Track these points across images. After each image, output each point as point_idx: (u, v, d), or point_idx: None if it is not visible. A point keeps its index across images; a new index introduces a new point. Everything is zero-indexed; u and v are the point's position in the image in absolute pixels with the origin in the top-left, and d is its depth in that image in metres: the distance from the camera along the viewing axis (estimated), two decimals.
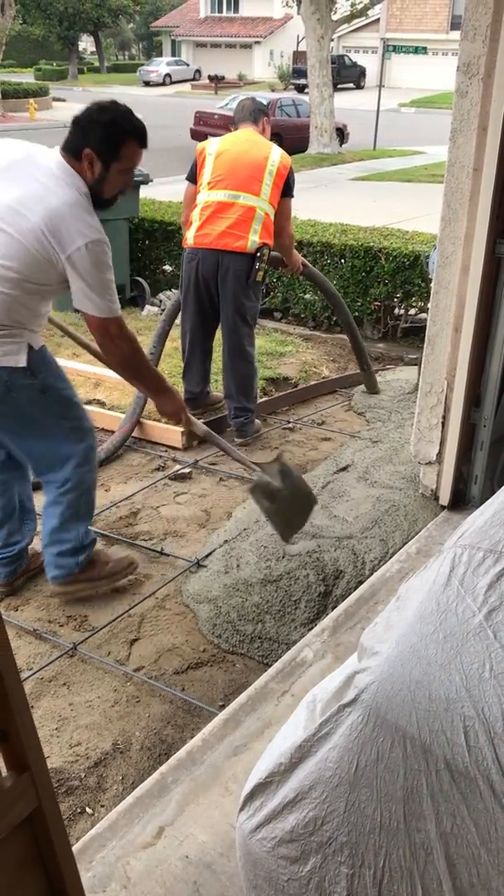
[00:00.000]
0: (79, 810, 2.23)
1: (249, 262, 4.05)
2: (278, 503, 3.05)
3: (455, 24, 36.57)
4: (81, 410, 2.86)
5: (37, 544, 3.12)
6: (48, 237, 2.44)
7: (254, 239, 4.00)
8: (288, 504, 3.10)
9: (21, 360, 2.59)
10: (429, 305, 3.30)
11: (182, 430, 4.31)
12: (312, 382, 5.22)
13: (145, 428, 4.41)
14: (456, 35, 2.95)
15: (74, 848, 1.93)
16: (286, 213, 4.23)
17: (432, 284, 3.25)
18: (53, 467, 2.80)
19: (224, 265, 4.04)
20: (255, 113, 4.27)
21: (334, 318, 6.31)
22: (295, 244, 6.21)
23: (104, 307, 2.56)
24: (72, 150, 2.54)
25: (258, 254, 4.03)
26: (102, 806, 2.23)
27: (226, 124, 14.61)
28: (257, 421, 4.50)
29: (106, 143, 2.54)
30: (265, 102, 20.51)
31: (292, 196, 4.23)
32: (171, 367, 5.01)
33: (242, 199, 4.01)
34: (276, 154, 4.10)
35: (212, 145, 4.14)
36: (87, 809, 2.23)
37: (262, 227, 4.04)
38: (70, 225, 2.45)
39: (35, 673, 2.67)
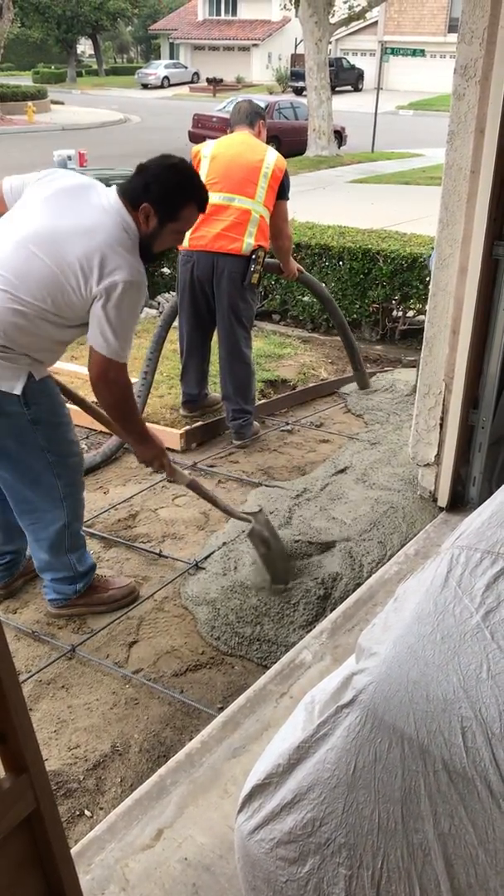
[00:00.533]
0: (77, 813, 2.22)
1: (245, 265, 4.05)
2: (273, 550, 3.07)
3: (453, 27, 36.63)
4: (72, 447, 2.78)
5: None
6: (86, 269, 2.39)
7: (249, 241, 4.01)
8: (277, 552, 3.11)
9: (16, 388, 2.51)
10: (427, 307, 3.31)
11: (180, 432, 4.32)
12: (310, 384, 5.22)
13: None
14: (454, 38, 2.96)
15: (73, 850, 1.93)
16: (282, 215, 4.23)
17: (430, 286, 3.25)
18: (30, 501, 2.73)
19: (219, 268, 4.05)
20: (252, 116, 4.26)
21: (332, 321, 6.31)
22: (293, 246, 6.27)
23: (115, 349, 2.48)
24: (130, 199, 2.50)
25: (253, 256, 4.03)
26: (101, 808, 2.23)
27: (224, 127, 14.60)
28: (256, 423, 4.50)
29: (167, 204, 2.52)
30: (263, 105, 20.57)
31: (287, 198, 4.23)
32: (169, 369, 5.02)
33: (237, 202, 4.01)
34: (271, 157, 4.11)
35: (207, 148, 4.15)
36: (86, 812, 2.23)
37: (258, 230, 4.05)
38: (113, 260, 2.41)
39: (34, 675, 2.67)
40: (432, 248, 4.54)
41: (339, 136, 20.61)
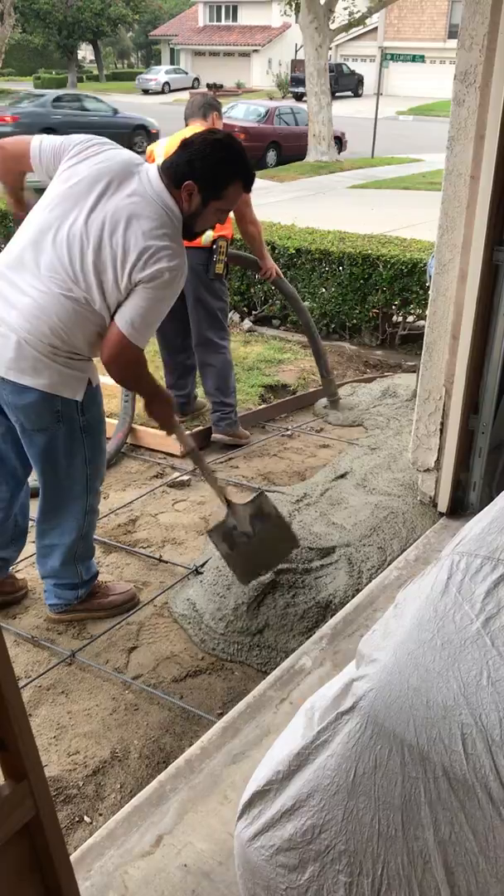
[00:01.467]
0: (77, 819, 2.22)
1: (207, 256, 4.06)
2: (237, 549, 2.96)
3: (453, 33, 36.73)
4: (104, 458, 2.84)
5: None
6: (131, 258, 2.37)
7: (208, 232, 3.99)
8: (254, 548, 2.98)
9: (79, 394, 2.55)
10: (427, 313, 3.31)
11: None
12: (286, 398, 5.15)
13: (144, 435, 4.41)
14: (454, 43, 2.97)
15: (72, 857, 1.92)
16: (241, 202, 4.05)
17: (430, 292, 3.26)
18: (58, 508, 2.75)
19: None
20: (205, 108, 4.22)
21: (332, 326, 6.33)
22: (292, 251, 6.28)
23: (140, 335, 2.45)
24: (173, 177, 2.44)
25: (214, 247, 4.03)
26: (100, 815, 2.22)
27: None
28: (243, 430, 4.49)
29: (212, 181, 2.47)
30: (263, 111, 20.39)
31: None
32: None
33: None
34: None
35: (159, 146, 4.13)
36: (86, 818, 2.22)
37: None
38: (157, 248, 2.37)
39: (33, 681, 2.67)
40: (432, 254, 4.56)
41: (339, 141, 20.64)
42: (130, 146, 17.47)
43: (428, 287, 4.88)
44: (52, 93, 20.12)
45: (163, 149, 4.09)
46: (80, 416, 2.59)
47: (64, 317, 2.41)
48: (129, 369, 2.55)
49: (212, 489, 3.05)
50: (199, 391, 4.73)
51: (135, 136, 19.52)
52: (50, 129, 13.51)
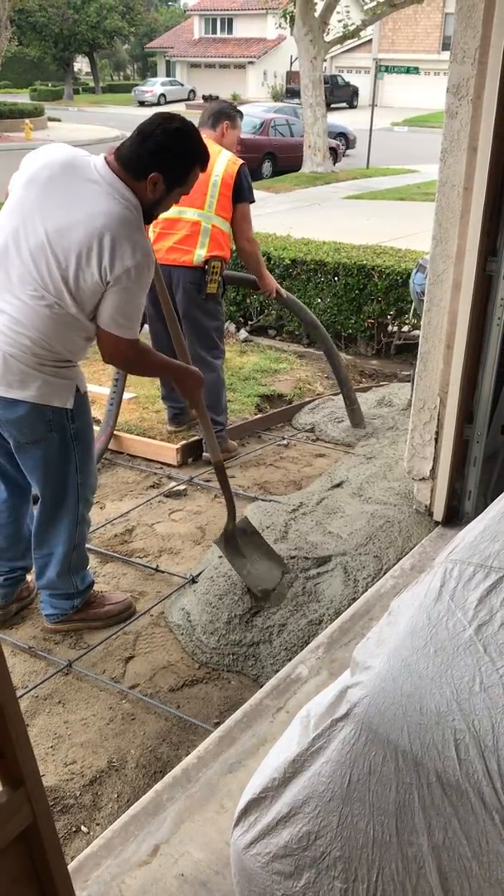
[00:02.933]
0: (74, 829, 2.22)
1: (199, 276, 4.03)
2: (244, 557, 3.13)
3: (447, 45, 36.93)
4: (94, 466, 2.85)
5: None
6: (95, 260, 2.34)
7: (200, 252, 3.99)
8: (253, 567, 3.13)
9: (69, 402, 2.56)
10: (421, 323, 3.33)
11: (176, 447, 4.33)
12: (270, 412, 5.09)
13: (140, 445, 4.42)
14: (447, 55, 3.00)
15: (70, 867, 1.92)
16: (239, 217, 4.10)
17: (424, 302, 3.27)
18: (53, 519, 2.76)
19: (175, 280, 4.03)
20: (216, 116, 4.13)
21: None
22: (288, 262, 6.31)
23: (128, 329, 2.48)
24: (133, 170, 2.42)
25: (206, 267, 4.02)
26: (98, 824, 2.22)
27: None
28: (232, 442, 4.50)
29: (176, 171, 2.48)
30: (259, 122, 20.36)
31: (249, 200, 4.10)
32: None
33: (188, 215, 3.98)
34: (221, 165, 3.97)
35: None
36: (83, 828, 2.22)
37: (210, 240, 4.00)
38: (120, 245, 2.35)
39: (30, 691, 2.67)
40: (415, 268, 4.58)
41: (335, 152, 20.74)
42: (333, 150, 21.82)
43: (411, 301, 4.91)
44: (272, 105, 24.07)
45: None
46: (71, 423, 2.60)
47: (42, 326, 2.40)
48: (132, 362, 2.63)
49: (223, 494, 3.20)
50: None
51: (337, 140, 22.45)
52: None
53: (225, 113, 4.15)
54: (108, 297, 2.41)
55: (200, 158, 2.55)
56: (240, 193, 4.05)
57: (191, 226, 3.99)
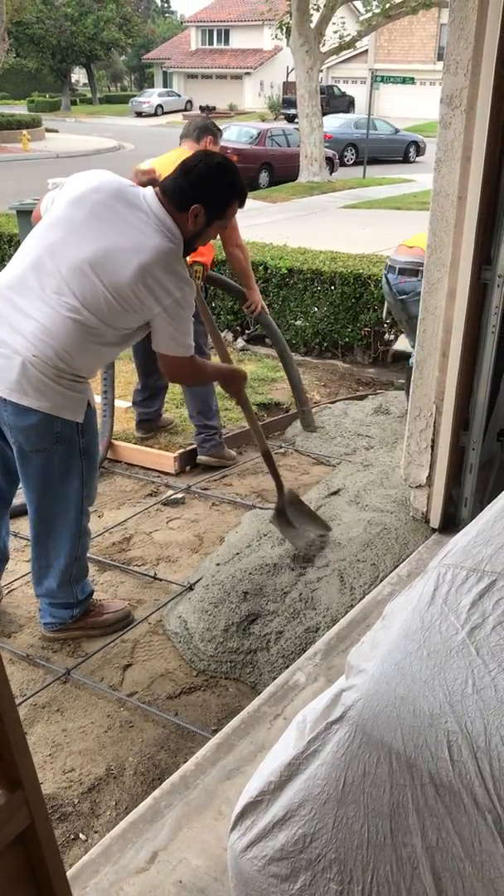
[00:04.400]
0: (72, 836, 2.22)
1: None
2: (292, 527, 3.50)
3: (442, 55, 37.14)
4: (95, 482, 2.89)
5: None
6: (142, 292, 2.46)
7: None
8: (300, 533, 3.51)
9: (80, 416, 2.61)
10: (417, 331, 3.35)
11: (174, 455, 4.34)
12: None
13: (138, 454, 4.44)
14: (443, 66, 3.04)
15: (68, 874, 1.92)
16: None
17: (419, 311, 3.29)
18: (52, 532, 2.77)
19: None
20: (199, 131, 4.20)
21: (325, 345, 6.38)
22: (285, 271, 6.34)
23: (185, 346, 2.62)
24: (177, 202, 2.53)
25: (189, 271, 4.04)
26: (96, 832, 2.23)
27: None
28: (230, 451, 4.52)
29: (217, 204, 2.59)
30: (255, 132, 20.53)
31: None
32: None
33: None
34: None
35: (146, 165, 4.18)
36: (81, 835, 2.23)
37: None
38: (165, 280, 2.47)
39: (28, 699, 2.68)
40: (385, 266, 4.60)
41: (331, 162, 20.84)
42: (405, 157, 25.45)
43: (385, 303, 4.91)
44: (356, 116, 26.67)
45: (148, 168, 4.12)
46: (80, 437, 2.63)
47: (69, 340, 2.46)
48: (192, 378, 2.97)
49: (269, 471, 3.56)
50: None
51: (409, 149, 25.61)
52: (352, 144, 24.05)
53: (208, 129, 4.26)
54: (160, 325, 2.55)
55: (239, 193, 2.67)
56: None
57: None
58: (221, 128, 4.39)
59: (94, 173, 2.63)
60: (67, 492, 2.70)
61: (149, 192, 2.57)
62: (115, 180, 2.60)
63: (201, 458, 4.40)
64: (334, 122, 24.30)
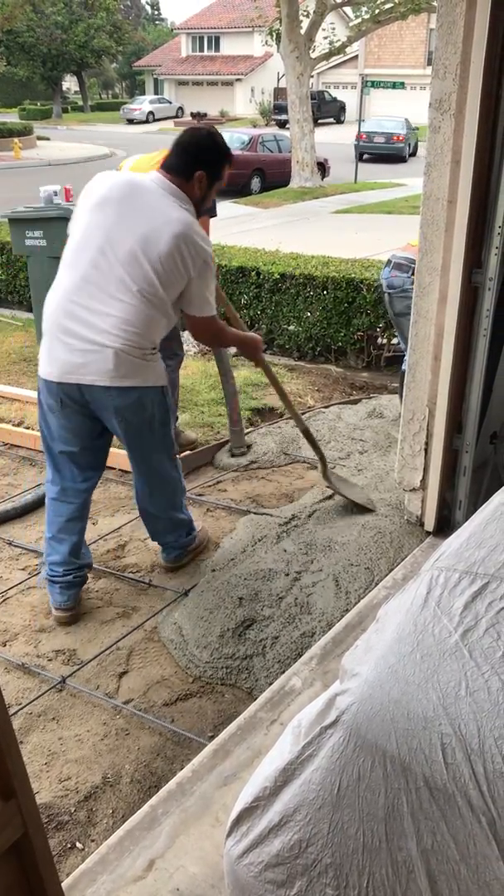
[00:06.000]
0: (69, 845, 2.22)
1: None
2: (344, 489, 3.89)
3: (431, 60, 37.32)
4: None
5: None
6: (178, 261, 2.80)
7: None
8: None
9: (163, 380, 3.02)
10: (409, 335, 3.36)
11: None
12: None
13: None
14: None
15: (65, 883, 1.92)
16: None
17: (412, 314, 3.30)
18: (167, 475, 3.20)
19: None
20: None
21: (318, 349, 6.39)
22: (277, 277, 6.34)
23: (211, 307, 3.01)
24: (182, 173, 2.88)
25: None
26: (93, 840, 2.22)
27: None
28: (190, 434, 4.58)
29: (215, 167, 2.95)
30: (247, 138, 20.51)
31: (209, 215, 4.05)
32: None
33: None
34: None
35: (129, 161, 4.14)
36: (78, 844, 2.22)
37: None
38: (193, 243, 2.82)
39: (24, 707, 2.67)
40: (388, 262, 4.61)
41: (323, 167, 20.89)
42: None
43: (383, 314, 4.90)
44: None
45: (129, 165, 4.12)
46: (166, 397, 3.05)
47: (144, 320, 2.82)
48: (217, 336, 3.29)
49: (311, 447, 3.88)
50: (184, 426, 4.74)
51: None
52: None
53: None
54: (193, 287, 2.90)
55: (229, 155, 3.05)
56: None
57: None
58: None
59: (102, 176, 2.96)
60: (168, 441, 3.14)
61: (152, 174, 2.90)
62: (122, 175, 2.98)
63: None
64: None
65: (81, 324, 2.79)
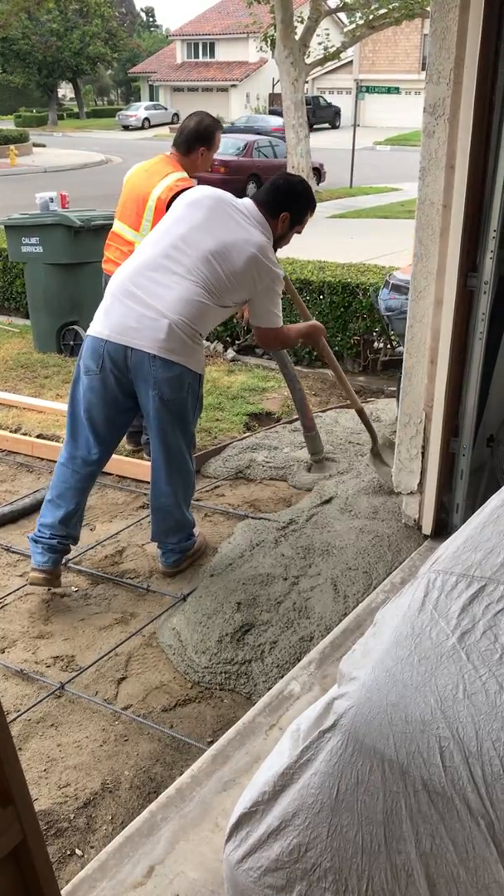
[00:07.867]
0: (68, 852, 2.21)
1: None
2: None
3: (426, 65, 37.44)
4: None
5: None
6: (250, 274, 3.09)
7: None
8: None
9: (202, 368, 3.19)
10: (405, 339, 3.36)
11: None
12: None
13: (129, 466, 4.43)
14: None
15: (64, 890, 1.92)
16: None
17: (407, 318, 3.31)
18: (182, 467, 3.27)
19: None
20: (190, 142, 4.06)
21: (315, 354, 6.39)
22: None
23: (278, 318, 3.27)
24: (270, 210, 3.18)
25: None
26: (92, 847, 2.22)
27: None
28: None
29: (299, 213, 3.25)
30: (242, 144, 20.48)
31: None
32: None
33: (127, 233, 4.08)
34: (161, 187, 3.91)
35: (130, 171, 4.18)
36: (77, 851, 2.21)
37: None
38: (266, 263, 3.10)
39: (22, 714, 2.66)
40: (383, 281, 4.62)
41: (318, 172, 20.93)
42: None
43: (383, 315, 4.93)
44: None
45: (126, 176, 4.13)
46: (200, 387, 3.22)
47: (200, 307, 3.03)
48: (282, 344, 3.62)
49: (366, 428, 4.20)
50: None
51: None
52: None
53: (201, 137, 4.08)
54: (259, 301, 3.21)
55: (313, 206, 3.36)
56: None
57: (127, 245, 4.07)
58: None
59: (201, 187, 3.31)
60: (189, 431, 3.27)
61: (247, 200, 3.22)
62: (218, 191, 3.25)
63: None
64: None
65: (145, 291, 3.01)
